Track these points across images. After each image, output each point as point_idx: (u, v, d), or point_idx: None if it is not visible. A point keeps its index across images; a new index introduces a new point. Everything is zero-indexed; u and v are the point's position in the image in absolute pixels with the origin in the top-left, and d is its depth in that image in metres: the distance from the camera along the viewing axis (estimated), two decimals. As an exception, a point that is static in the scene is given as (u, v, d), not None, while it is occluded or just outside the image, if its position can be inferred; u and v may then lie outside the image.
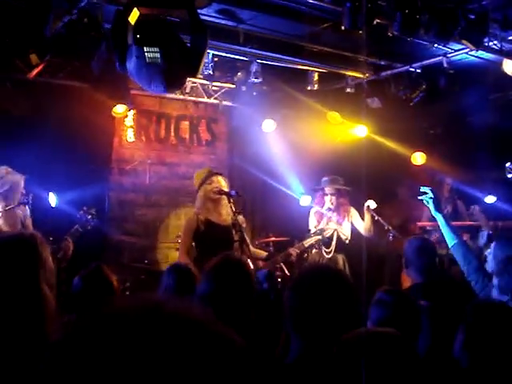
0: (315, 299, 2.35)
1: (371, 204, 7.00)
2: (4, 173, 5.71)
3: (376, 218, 7.01)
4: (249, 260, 5.78)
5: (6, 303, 2.35)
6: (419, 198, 4.39)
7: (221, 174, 6.28)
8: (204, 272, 3.20)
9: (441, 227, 4.24)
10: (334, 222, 7.27)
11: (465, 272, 4.00)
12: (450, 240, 4.15)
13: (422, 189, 4.35)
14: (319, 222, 7.25)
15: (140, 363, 0.81)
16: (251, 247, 5.95)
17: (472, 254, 4.03)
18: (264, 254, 6.45)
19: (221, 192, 5.95)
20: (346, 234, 7.29)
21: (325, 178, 7.40)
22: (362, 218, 7.19)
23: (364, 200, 7.16)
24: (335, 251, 7.22)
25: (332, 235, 7.26)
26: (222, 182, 6.10)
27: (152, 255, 7.76)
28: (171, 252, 7.87)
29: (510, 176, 8.06)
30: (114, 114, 7.34)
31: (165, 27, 4.79)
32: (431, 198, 4.28)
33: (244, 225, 5.89)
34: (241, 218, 5.91)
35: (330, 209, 7.20)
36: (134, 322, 0.86)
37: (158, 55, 4.58)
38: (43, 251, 2.84)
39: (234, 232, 5.85)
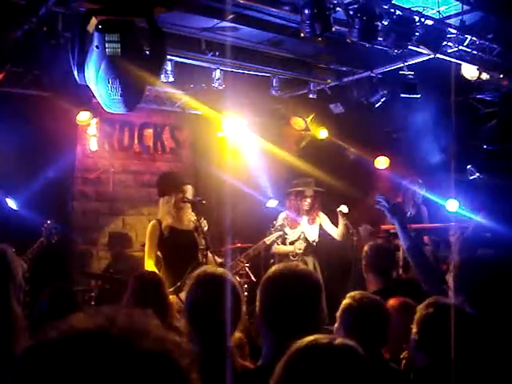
0: (287, 295, 2.40)
1: (343, 209, 7.05)
2: None
3: (345, 222, 7.07)
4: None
5: None
6: (375, 206, 4.46)
7: (189, 184, 6.29)
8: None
9: (397, 232, 4.32)
10: (302, 225, 7.36)
11: (417, 274, 4.09)
12: (405, 244, 4.23)
13: (377, 197, 4.42)
14: (291, 227, 7.31)
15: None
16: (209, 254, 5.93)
17: (423, 256, 4.11)
18: (218, 260, 6.46)
19: (186, 200, 5.95)
20: (313, 236, 7.37)
21: (303, 180, 7.47)
22: (332, 223, 7.26)
23: (333, 204, 7.24)
24: (304, 254, 7.31)
25: (298, 237, 7.33)
26: (189, 192, 6.12)
27: (117, 264, 7.69)
28: (136, 260, 7.83)
29: (471, 178, 8.21)
30: (77, 122, 7.28)
31: (126, 24, 4.74)
32: (385, 206, 4.35)
33: (206, 228, 5.91)
34: (203, 222, 5.94)
35: (306, 211, 7.29)
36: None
37: (118, 46, 4.52)
38: (14, 265, 2.79)
39: (196, 236, 5.87)
